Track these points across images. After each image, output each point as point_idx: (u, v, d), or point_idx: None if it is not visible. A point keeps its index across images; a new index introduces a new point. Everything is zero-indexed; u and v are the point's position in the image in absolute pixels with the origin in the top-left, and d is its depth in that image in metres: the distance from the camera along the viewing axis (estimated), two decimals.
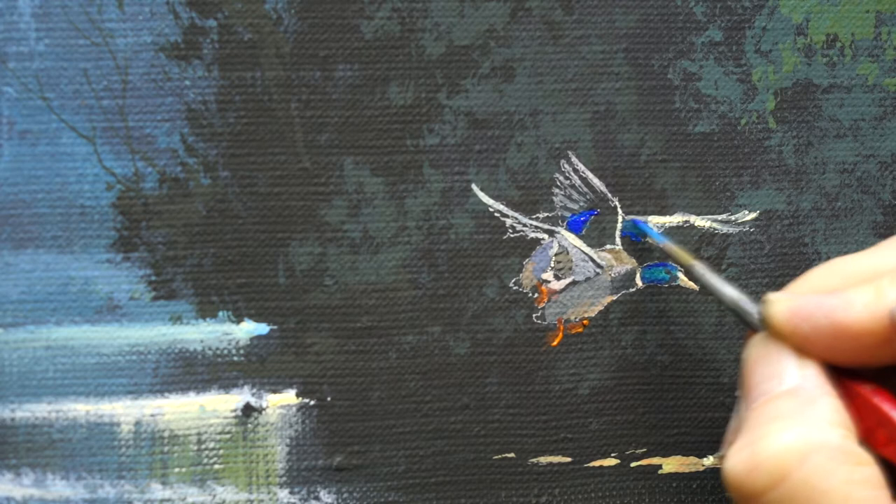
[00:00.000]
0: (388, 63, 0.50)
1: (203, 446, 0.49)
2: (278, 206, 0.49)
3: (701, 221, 0.52)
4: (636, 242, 0.52)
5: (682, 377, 0.52)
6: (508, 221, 0.51)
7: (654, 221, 0.52)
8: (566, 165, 0.52)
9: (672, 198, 0.52)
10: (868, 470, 0.37)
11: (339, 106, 0.50)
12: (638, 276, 0.52)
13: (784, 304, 0.40)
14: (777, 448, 0.37)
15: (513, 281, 0.51)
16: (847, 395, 0.39)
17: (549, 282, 0.51)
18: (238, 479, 0.49)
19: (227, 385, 0.49)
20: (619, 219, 0.52)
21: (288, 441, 0.49)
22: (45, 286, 0.48)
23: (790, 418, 0.38)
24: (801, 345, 0.40)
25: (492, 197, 0.51)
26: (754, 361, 0.41)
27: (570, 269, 0.51)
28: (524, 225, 0.51)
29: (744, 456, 0.37)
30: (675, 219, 0.52)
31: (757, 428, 0.38)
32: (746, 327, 0.43)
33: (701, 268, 0.46)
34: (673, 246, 0.49)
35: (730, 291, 0.44)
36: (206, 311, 0.49)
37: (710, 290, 0.45)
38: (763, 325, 0.41)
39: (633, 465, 0.51)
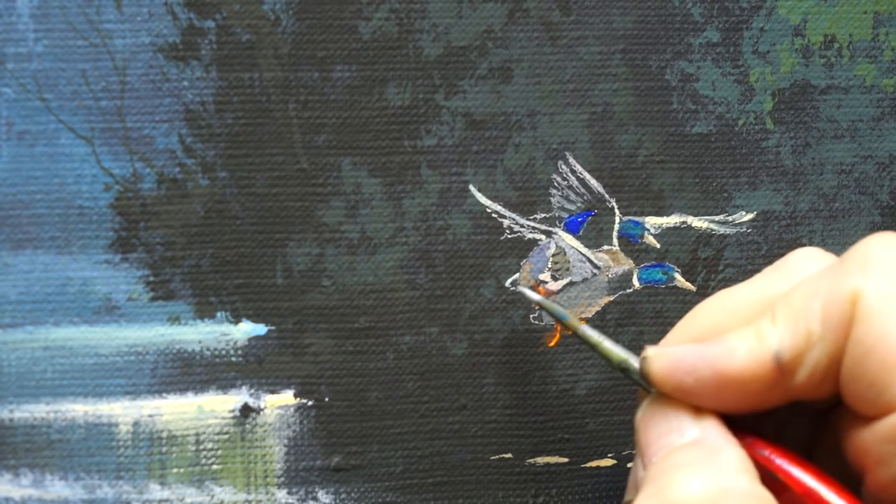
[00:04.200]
0: (385, 64, 0.51)
1: (201, 447, 0.49)
2: (276, 206, 0.50)
3: (698, 222, 0.52)
4: (633, 243, 0.52)
5: None
6: (506, 222, 0.51)
7: (652, 222, 0.52)
8: (564, 166, 0.52)
9: (669, 198, 0.52)
10: None
11: (337, 107, 0.50)
12: (635, 276, 0.52)
13: (663, 359, 0.39)
14: (686, 495, 0.35)
15: (510, 281, 0.51)
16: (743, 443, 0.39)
17: (546, 282, 0.51)
18: (236, 479, 0.49)
19: (225, 385, 0.49)
20: (617, 220, 0.52)
21: (286, 441, 0.49)
22: (44, 287, 0.48)
23: (696, 466, 0.37)
24: (687, 398, 0.39)
25: (489, 198, 0.51)
26: (649, 419, 0.39)
27: (568, 269, 0.51)
28: (521, 226, 0.51)
29: None
30: (673, 220, 0.52)
31: (663, 477, 0.37)
32: (638, 386, 0.42)
33: (588, 329, 0.44)
34: (558, 308, 0.48)
35: (616, 351, 0.42)
36: (204, 312, 0.49)
37: (596, 351, 0.43)
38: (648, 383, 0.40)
39: (630, 465, 0.51)
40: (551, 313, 0.48)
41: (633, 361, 0.41)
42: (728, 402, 0.38)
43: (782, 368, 0.37)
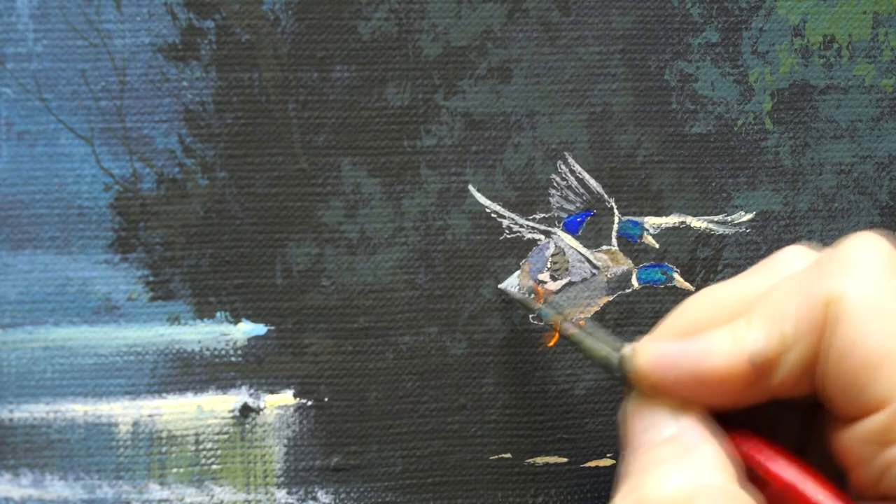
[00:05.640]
0: (385, 64, 0.51)
1: (201, 447, 0.49)
2: (276, 206, 0.50)
3: (697, 222, 0.53)
4: (632, 243, 0.52)
5: None
6: (505, 222, 0.51)
7: (651, 222, 0.52)
8: (563, 166, 0.52)
9: (668, 199, 0.52)
10: None
11: (337, 107, 0.50)
12: (634, 276, 0.52)
13: (643, 356, 0.40)
14: (662, 492, 0.36)
15: (504, 284, 0.51)
16: (726, 439, 0.39)
17: (545, 282, 0.51)
18: (236, 479, 0.49)
19: (224, 385, 0.49)
20: (616, 220, 0.52)
21: (285, 441, 0.49)
22: (43, 287, 0.48)
23: (673, 463, 0.37)
24: (668, 395, 0.39)
25: (489, 198, 0.51)
26: (631, 416, 0.40)
27: (567, 269, 0.51)
28: (521, 226, 0.51)
29: (629, 502, 0.37)
30: (672, 220, 0.52)
31: (640, 474, 0.37)
32: (622, 384, 0.42)
33: (570, 326, 0.45)
34: (540, 305, 0.48)
35: (597, 348, 0.43)
36: (203, 312, 0.49)
37: (580, 349, 0.44)
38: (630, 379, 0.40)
39: None
40: (532, 310, 0.48)
41: (615, 358, 0.41)
42: (708, 399, 0.39)
43: (757, 370, 0.38)
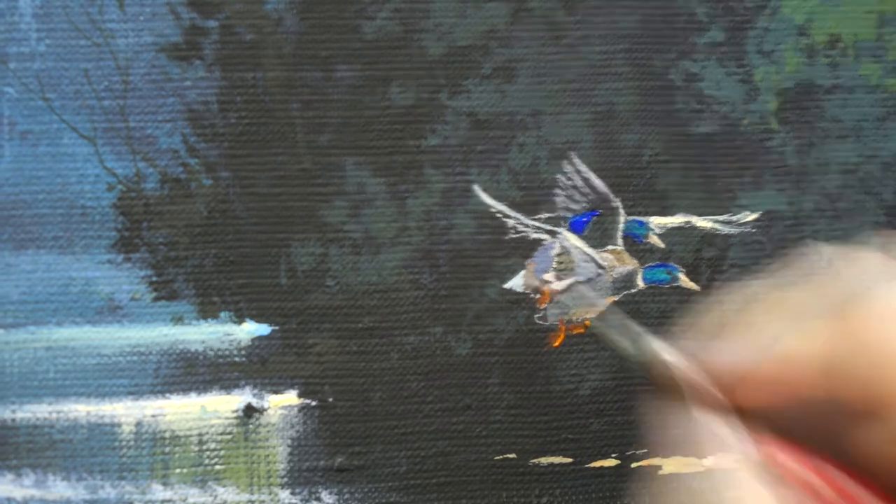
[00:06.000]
0: (389, 63, 0.50)
1: (204, 447, 0.49)
2: (279, 206, 0.49)
3: (702, 222, 0.52)
4: (638, 243, 0.52)
5: None
6: (510, 222, 0.51)
7: (656, 222, 0.52)
8: (568, 166, 0.52)
9: (674, 198, 0.52)
10: None
11: (340, 106, 0.50)
12: (639, 276, 0.52)
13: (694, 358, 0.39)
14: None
15: (509, 284, 0.51)
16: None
17: (550, 282, 0.51)
18: (239, 479, 0.49)
19: (228, 386, 0.49)
20: (621, 219, 0.52)
21: (289, 442, 0.49)
22: (46, 287, 0.48)
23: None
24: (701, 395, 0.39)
25: (493, 197, 0.51)
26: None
27: (572, 269, 0.51)
28: (526, 225, 0.51)
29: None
30: (677, 219, 0.52)
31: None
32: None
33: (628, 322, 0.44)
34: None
35: (646, 346, 0.40)
36: (207, 312, 0.49)
37: (617, 345, 0.42)
38: None
39: (633, 465, 0.51)
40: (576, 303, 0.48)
41: (656, 358, 0.41)
42: (751, 400, 0.39)
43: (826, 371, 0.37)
